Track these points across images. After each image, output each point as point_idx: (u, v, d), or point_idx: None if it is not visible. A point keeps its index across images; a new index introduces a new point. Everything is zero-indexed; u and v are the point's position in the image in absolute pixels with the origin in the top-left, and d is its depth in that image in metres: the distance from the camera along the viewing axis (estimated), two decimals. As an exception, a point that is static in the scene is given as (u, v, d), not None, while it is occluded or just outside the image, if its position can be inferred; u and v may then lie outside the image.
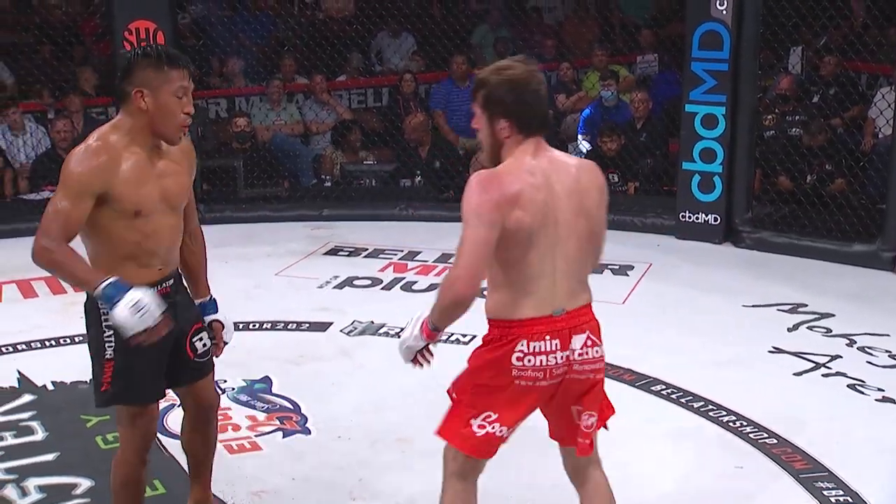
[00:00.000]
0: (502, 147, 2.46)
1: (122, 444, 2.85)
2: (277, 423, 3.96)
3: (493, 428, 2.49)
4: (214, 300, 3.03)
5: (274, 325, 5.07)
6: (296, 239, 6.72)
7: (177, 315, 2.79)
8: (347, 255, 6.41)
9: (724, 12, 6.15)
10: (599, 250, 2.58)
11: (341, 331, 4.98)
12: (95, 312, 2.73)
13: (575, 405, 2.55)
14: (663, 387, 4.27)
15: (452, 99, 7.98)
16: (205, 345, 2.94)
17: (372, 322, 5.06)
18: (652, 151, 7.26)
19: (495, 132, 2.45)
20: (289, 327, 5.05)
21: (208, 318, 2.98)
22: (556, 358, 2.45)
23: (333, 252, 6.47)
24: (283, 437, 3.85)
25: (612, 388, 4.38)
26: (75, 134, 7.31)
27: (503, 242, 2.39)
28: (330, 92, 8.14)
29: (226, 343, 3.04)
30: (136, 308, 2.52)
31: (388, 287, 5.75)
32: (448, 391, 2.60)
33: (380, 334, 4.93)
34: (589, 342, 2.49)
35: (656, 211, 6.82)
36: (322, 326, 5.04)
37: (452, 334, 4.49)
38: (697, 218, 6.50)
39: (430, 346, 2.61)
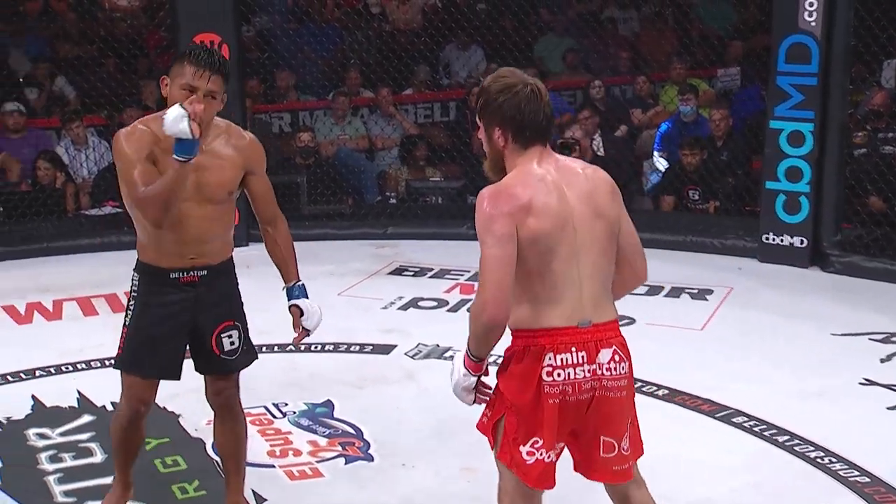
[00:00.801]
0: (504, 157, 2.49)
1: (118, 405, 3.20)
2: (339, 448, 3.98)
3: (541, 454, 2.47)
4: (301, 286, 3.21)
5: (336, 347, 5.10)
6: (359, 258, 6.75)
7: (197, 308, 3.03)
8: (412, 275, 6.43)
9: (813, 24, 6.07)
10: (635, 251, 2.56)
11: (406, 354, 4.99)
12: (131, 283, 3.08)
13: (604, 434, 2.51)
14: (745, 418, 4.20)
15: (522, 113, 7.98)
16: (233, 343, 3.11)
17: (437, 345, 5.07)
18: (733, 170, 7.17)
19: (493, 141, 2.48)
20: (351, 349, 5.09)
21: (289, 303, 3.17)
22: (583, 371, 2.44)
23: (398, 272, 6.49)
24: (346, 463, 3.87)
25: (690, 419, 4.39)
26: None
27: (522, 254, 2.40)
28: (396, 106, 8.22)
29: (308, 331, 3.20)
30: (166, 114, 2.78)
31: (454, 309, 5.75)
32: (479, 425, 2.59)
33: (445, 358, 4.93)
34: (616, 357, 2.48)
35: (737, 232, 6.73)
36: (386, 349, 5.06)
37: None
38: (782, 240, 6.40)
39: (484, 378, 2.60)
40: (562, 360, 2.43)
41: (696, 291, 5.95)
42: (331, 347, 5.11)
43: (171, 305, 3.04)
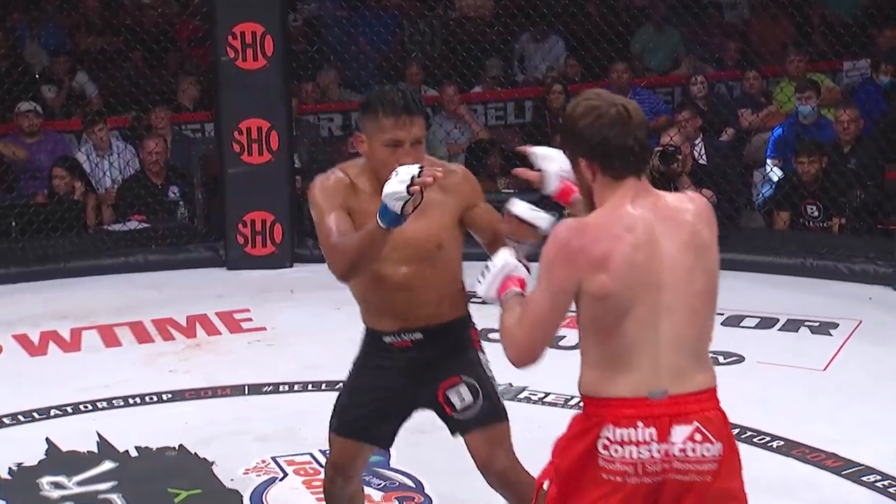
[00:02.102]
0: (593, 193, 2.44)
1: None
2: (396, 503, 3.98)
3: None
4: None
5: (394, 386, 5.13)
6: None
7: (413, 373, 3.12)
8: (481, 302, 6.40)
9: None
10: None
11: (474, 395, 5.00)
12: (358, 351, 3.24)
13: None
14: (878, 477, 4.11)
15: (611, 115, 7.97)
16: (462, 399, 3.15)
17: (510, 385, 5.05)
18: (863, 181, 7.06)
19: (580, 174, 2.44)
20: (411, 388, 5.10)
21: None
22: (650, 451, 2.36)
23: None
24: (403, 521, 3.88)
25: (811, 476, 4.31)
26: (167, 155, 7.62)
27: (589, 310, 2.38)
28: (464, 105, 8.25)
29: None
30: (395, 175, 2.77)
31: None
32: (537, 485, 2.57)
33: (520, 399, 4.91)
34: (698, 436, 2.38)
35: (868, 255, 6.63)
36: (451, 388, 5.06)
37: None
38: (921, 264, 6.28)
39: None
40: (622, 435, 2.37)
41: (817, 325, 5.86)
42: (387, 386, 5.13)
43: (385, 370, 3.16)
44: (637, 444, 2.36)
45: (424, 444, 4.47)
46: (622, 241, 2.36)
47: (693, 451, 2.37)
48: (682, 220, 2.41)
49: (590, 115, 2.39)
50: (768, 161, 7.59)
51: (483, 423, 3.15)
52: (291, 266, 7.19)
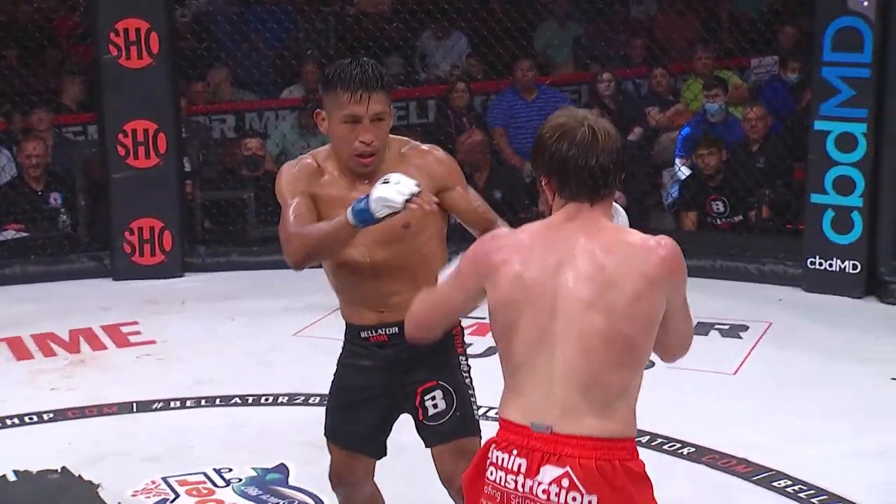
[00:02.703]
0: (552, 211, 2.48)
1: None
2: (296, 523, 3.98)
3: None
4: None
5: (292, 399, 5.10)
6: (320, 289, 6.54)
7: (392, 372, 3.12)
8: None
9: (865, 4, 6.14)
10: (676, 348, 2.51)
11: (376, 407, 5.00)
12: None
13: None
14: (788, 482, 4.21)
15: (516, 114, 8.05)
16: (436, 406, 3.12)
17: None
18: (771, 180, 7.23)
19: (544, 191, 2.48)
20: (311, 402, 5.08)
21: None
22: (515, 482, 2.38)
23: (366, 307, 6.52)
24: (303, 542, 3.86)
25: (721, 483, 4.39)
26: (48, 159, 7.47)
27: (490, 320, 2.45)
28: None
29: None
30: (385, 182, 2.78)
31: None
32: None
33: (425, 412, 4.93)
34: (565, 482, 2.34)
35: (777, 256, 6.77)
36: (352, 401, 5.06)
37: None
38: (831, 265, 6.44)
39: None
40: (498, 458, 2.42)
41: (727, 328, 5.97)
42: (285, 399, 5.11)
43: (364, 370, 3.16)
44: (506, 471, 2.39)
45: (323, 461, 4.46)
46: (519, 256, 2.40)
47: (557, 495, 2.34)
48: (600, 255, 2.36)
49: (554, 133, 2.40)
50: (677, 160, 7.72)
51: (451, 436, 3.13)
52: (182, 275, 7.11)
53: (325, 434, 3.32)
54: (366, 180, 2.97)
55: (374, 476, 3.38)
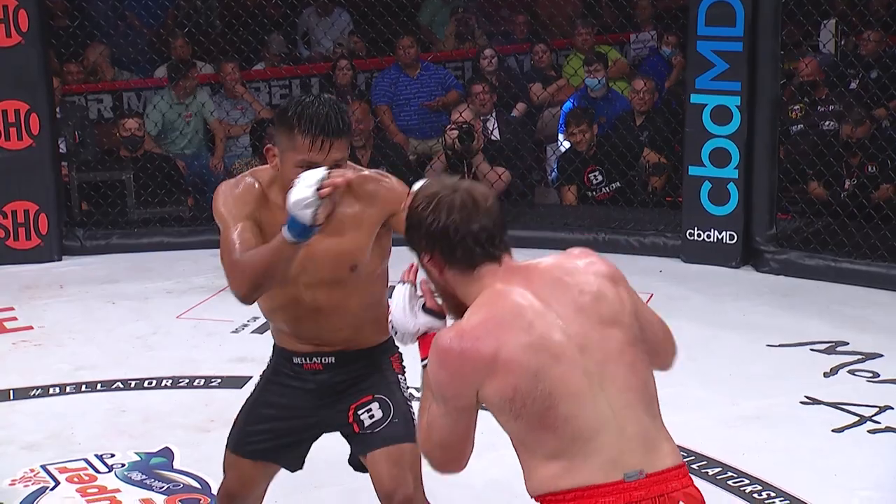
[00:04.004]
0: (452, 290, 2.28)
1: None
2: (181, 507, 3.94)
3: None
4: None
5: (176, 383, 5.05)
6: (203, 271, 6.68)
7: (324, 394, 2.98)
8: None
9: (737, -21, 6.26)
10: (664, 342, 2.40)
11: (262, 387, 4.97)
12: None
13: None
14: (683, 454, 4.28)
15: (400, 91, 8.03)
16: (373, 416, 2.95)
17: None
18: (656, 153, 7.33)
19: (427, 270, 2.28)
20: (195, 384, 5.04)
21: None
22: None
23: (251, 287, 6.47)
24: (189, 525, 3.84)
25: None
26: None
27: (507, 414, 2.18)
28: (244, 84, 8.15)
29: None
30: (299, 181, 2.65)
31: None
32: None
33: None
34: None
35: (657, 228, 6.89)
36: (238, 382, 5.00)
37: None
38: (709, 236, 6.57)
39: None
40: None
41: (610, 300, 6.05)
42: (169, 383, 5.05)
43: (292, 390, 3.02)
44: None
45: (208, 443, 4.43)
46: (508, 328, 2.17)
47: None
48: (564, 281, 2.24)
49: (428, 205, 2.24)
50: (560, 136, 7.79)
51: (390, 440, 2.93)
52: (60, 259, 6.95)
53: (228, 447, 3.11)
54: None
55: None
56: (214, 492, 3.96)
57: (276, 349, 3.07)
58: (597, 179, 7.22)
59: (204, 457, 4.28)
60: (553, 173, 7.75)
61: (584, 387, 2.17)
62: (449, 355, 2.17)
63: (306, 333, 2.95)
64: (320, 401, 3.00)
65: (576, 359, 2.17)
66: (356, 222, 2.85)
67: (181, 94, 7.80)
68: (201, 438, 4.48)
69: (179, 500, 3.99)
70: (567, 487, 2.15)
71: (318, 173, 2.61)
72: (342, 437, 3.06)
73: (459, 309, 2.26)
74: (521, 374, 2.15)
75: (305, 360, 2.98)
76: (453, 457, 2.25)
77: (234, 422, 3.12)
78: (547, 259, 2.30)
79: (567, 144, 7.66)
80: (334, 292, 2.87)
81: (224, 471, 3.12)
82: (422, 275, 2.36)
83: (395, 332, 2.39)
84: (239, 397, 4.78)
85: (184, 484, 4.11)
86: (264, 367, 3.13)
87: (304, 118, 2.71)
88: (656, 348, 2.36)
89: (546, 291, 2.21)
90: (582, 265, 2.27)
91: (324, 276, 2.85)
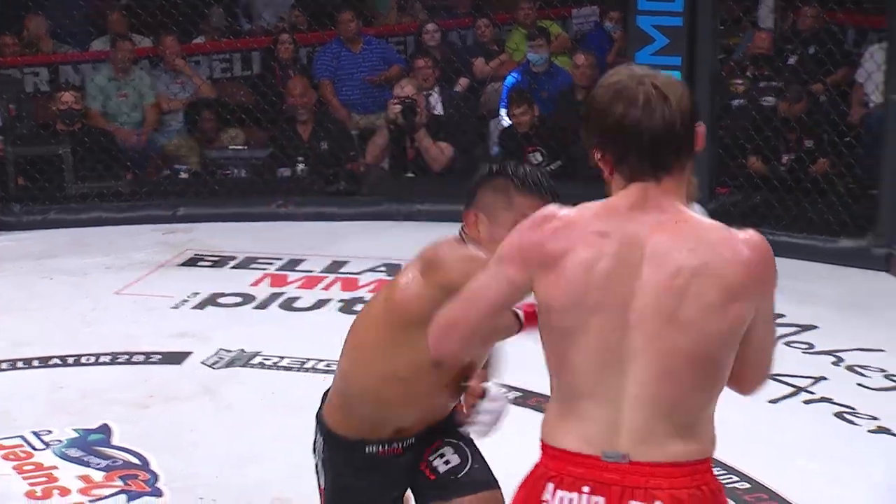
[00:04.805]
0: (610, 189, 2.04)
1: None
2: (120, 483, 3.90)
3: None
4: None
5: (115, 359, 5.00)
6: (143, 247, 6.65)
7: (403, 477, 2.74)
8: (211, 266, 6.36)
9: (676, -46, 6.29)
10: (754, 363, 2.06)
11: (203, 362, 4.95)
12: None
13: None
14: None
15: (343, 65, 7.99)
16: (447, 462, 2.73)
17: (242, 350, 5.04)
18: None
19: (598, 164, 2.04)
20: (134, 360, 5.00)
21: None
22: None
23: (192, 262, 6.43)
24: (128, 501, 3.80)
25: (530, 420, 4.43)
26: None
27: (543, 323, 2.02)
28: (185, 58, 8.07)
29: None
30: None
31: (263, 305, 5.72)
32: None
33: (252, 365, 4.90)
34: None
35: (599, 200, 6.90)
36: (178, 357, 5.00)
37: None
38: (650, 210, 6.61)
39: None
40: (564, 499, 1.98)
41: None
42: (107, 359, 5.01)
43: (371, 481, 2.73)
44: None
45: (147, 418, 4.42)
46: (587, 243, 1.96)
47: None
48: (680, 256, 1.95)
49: (607, 95, 1.97)
50: (502, 110, 7.79)
51: (480, 486, 2.71)
52: (-4, 234, 6.89)
53: None
54: None
55: None
56: (154, 467, 3.99)
57: (332, 443, 2.71)
58: (537, 159, 7.24)
59: (143, 433, 4.26)
60: (495, 148, 7.75)
61: (607, 354, 1.96)
62: (527, 235, 2.01)
63: (414, 417, 2.67)
64: (402, 482, 2.76)
65: (615, 324, 1.95)
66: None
67: (120, 71, 7.71)
68: (140, 415, 4.45)
69: (118, 477, 3.95)
70: (550, 442, 2.02)
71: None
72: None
73: None
74: (567, 289, 1.96)
75: (382, 447, 2.68)
76: (460, 325, 2.05)
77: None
78: (710, 227, 1.99)
79: (508, 120, 7.67)
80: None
81: None
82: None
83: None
84: (179, 373, 4.85)
85: (122, 460, 4.07)
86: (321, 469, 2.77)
87: (523, 177, 2.55)
88: (740, 373, 2.06)
89: (658, 254, 1.95)
90: (732, 252, 1.96)
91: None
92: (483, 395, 2.68)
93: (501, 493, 2.68)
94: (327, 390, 2.76)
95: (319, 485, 2.78)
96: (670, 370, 1.95)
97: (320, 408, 2.75)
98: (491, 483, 2.72)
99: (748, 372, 2.06)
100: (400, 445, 2.69)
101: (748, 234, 1.98)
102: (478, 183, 2.61)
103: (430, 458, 2.72)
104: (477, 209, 2.57)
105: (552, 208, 2.03)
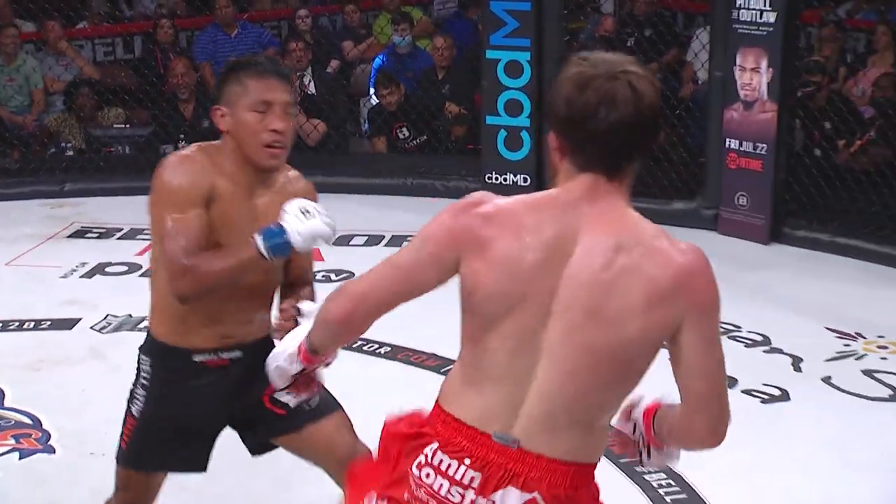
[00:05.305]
0: (556, 176, 1.89)
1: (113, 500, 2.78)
2: (12, 441, 3.85)
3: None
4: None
5: (6, 326, 4.90)
6: (30, 220, 6.49)
7: (229, 394, 2.63)
8: (97, 238, 6.25)
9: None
10: (699, 402, 1.86)
11: (92, 328, 4.88)
12: (139, 364, 2.69)
13: None
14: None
15: (220, 48, 7.88)
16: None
17: (130, 315, 4.98)
18: (457, 105, 7.42)
19: (550, 151, 1.88)
20: (25, 326, 4.90)
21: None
22: (461, 495, 1.85)
23: (79, 234, 6.32)
24: (20, 458, 3.75)
25: (416, 378, 4.53)
26: None
27: (463, 301, 1.88)
28: (69, 42, 7.85)
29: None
30: (304, 213, 2.43)
31: (149, 273, 5.63)
32: None
33: (140, 329, 4.83)
34: None
35: (460, 173, 6.99)
36: (67, 324, 4.92)
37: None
38: (505, 179, 6.71)
39: (319, 375, 2.22)
40: (443, 462, 1.87)
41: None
42: (-1, 326, 4.90)
43: (193, 396, 2.62)
44: (451, 480, 1.86)
45: (38, 381, 4.34)
46: (517, 234, 1.82)
47: None
48: (613, 254, 1.81)
49: (578, 82, 1.80)
50: (371, 90, 7.79)
51: (331, 408, 2.65)
52: None
53: (126, 464, 2.70)
54: (265, 185, 2.57)
55: None
56: (46, 426, 3.94)
57: (163, 353, 2.65)
58: (403, 135, 7.26)
59: (34, 394, 4.19)
60: (365, 125, 7.76)
61: (519, 340, 1.83)
62: (459, 216, 1.87)
63: (223, 322, 2.58)
64: (227, 399, 2.65)
65: (535, 315, 1.82)
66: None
67: (6, 58, 7.46)
68: (32, 377, 4.37)
69: (11, 436, 3.88)
70: (446, 408, 1.90)
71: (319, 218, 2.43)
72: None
73: None
74: (493, 277, 1.83)
75: (211, 355, 2.60)
76: (367, 292, 1.92)
77: (126, 439, 2.70)
78: (653, 232, 1.84)
79: (377, 100, 7.69)
80: (267, 273, 2.57)
81: (118, 488, 2.74)
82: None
83: (272, 368, 2.17)
84: (69, 338, 4.76)
85: (15, 420, 4.00)
86: (141, 374, 2.69)
87: (251, 66, 2.54)
88: (685, 402, 1.87)
89: (593, 249, 1.81)
90: (661, 262, 1.81)
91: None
92: (298, 313, 2.48)
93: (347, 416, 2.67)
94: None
95: (130, 415, 2.68)
96: (581, 364, 1.82)
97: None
98: (337, 404, 2.67)
99: (697, 416, 1.86)
100: (228, 356, 2.61)
101: (687, 246, 1.84)
102: (219, 81, 2.60)
103: (275, 395, 2.54)
104: (220, 104, 2.55)
105: (484, 194, 1.90)
